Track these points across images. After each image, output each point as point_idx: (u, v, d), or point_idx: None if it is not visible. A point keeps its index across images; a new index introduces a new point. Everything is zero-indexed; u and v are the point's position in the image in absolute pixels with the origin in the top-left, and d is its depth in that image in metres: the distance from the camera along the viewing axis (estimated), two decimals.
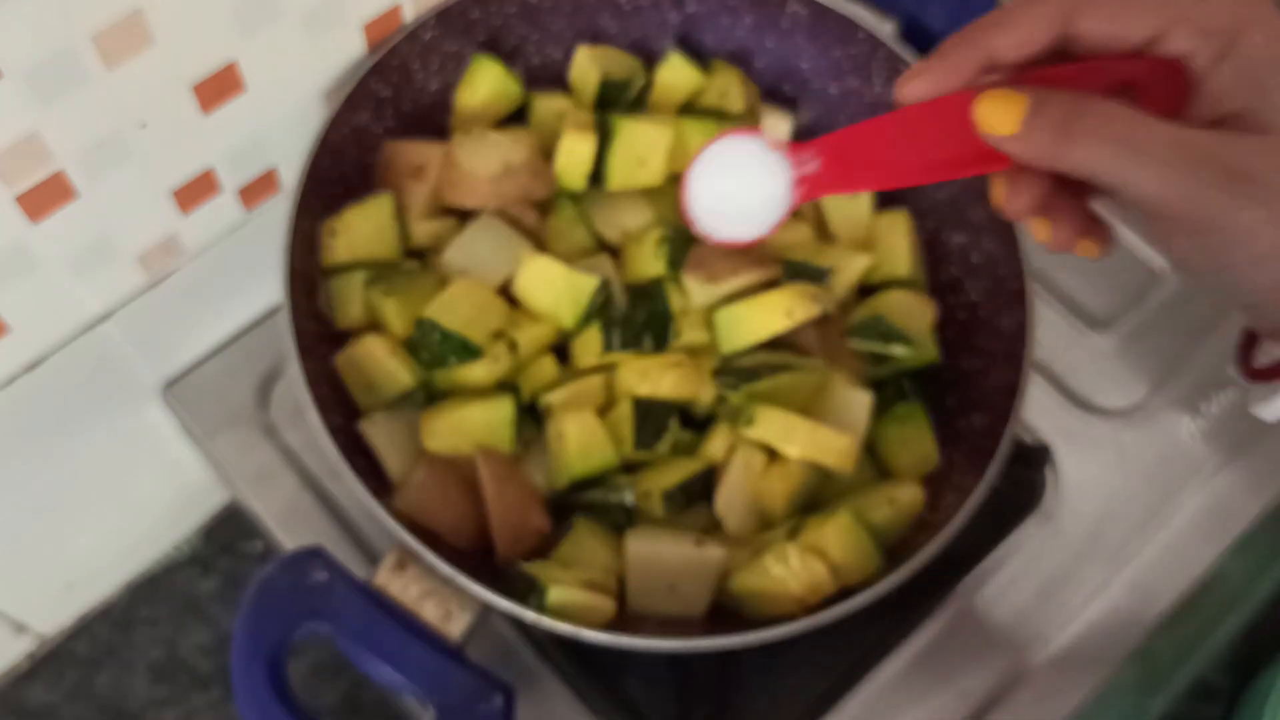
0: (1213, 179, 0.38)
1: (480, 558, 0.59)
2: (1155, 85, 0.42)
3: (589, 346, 0.62)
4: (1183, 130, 0.39)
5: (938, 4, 0.70)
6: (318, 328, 0.61)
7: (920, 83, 0.43)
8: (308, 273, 0.61)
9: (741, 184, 0.50)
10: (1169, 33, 0.41)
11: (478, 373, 0.61)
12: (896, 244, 0.67)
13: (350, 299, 0.62)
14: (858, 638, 0.67)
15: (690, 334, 0.62)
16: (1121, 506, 0.72)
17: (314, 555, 0.55)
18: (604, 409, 0.62)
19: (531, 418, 0.62)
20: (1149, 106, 0.41)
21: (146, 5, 0.51)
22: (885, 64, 0.67)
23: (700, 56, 0.70)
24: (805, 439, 0.60)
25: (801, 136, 0.70)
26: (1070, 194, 0.43)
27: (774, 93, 0.71)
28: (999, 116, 0.41)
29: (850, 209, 0.68)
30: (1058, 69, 0.43)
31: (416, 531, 0.55)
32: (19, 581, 0.72)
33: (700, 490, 0.61)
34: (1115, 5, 0.41)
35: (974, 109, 0.42)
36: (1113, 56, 0.42)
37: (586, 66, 0.68)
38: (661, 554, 0.59)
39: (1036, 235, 0.44)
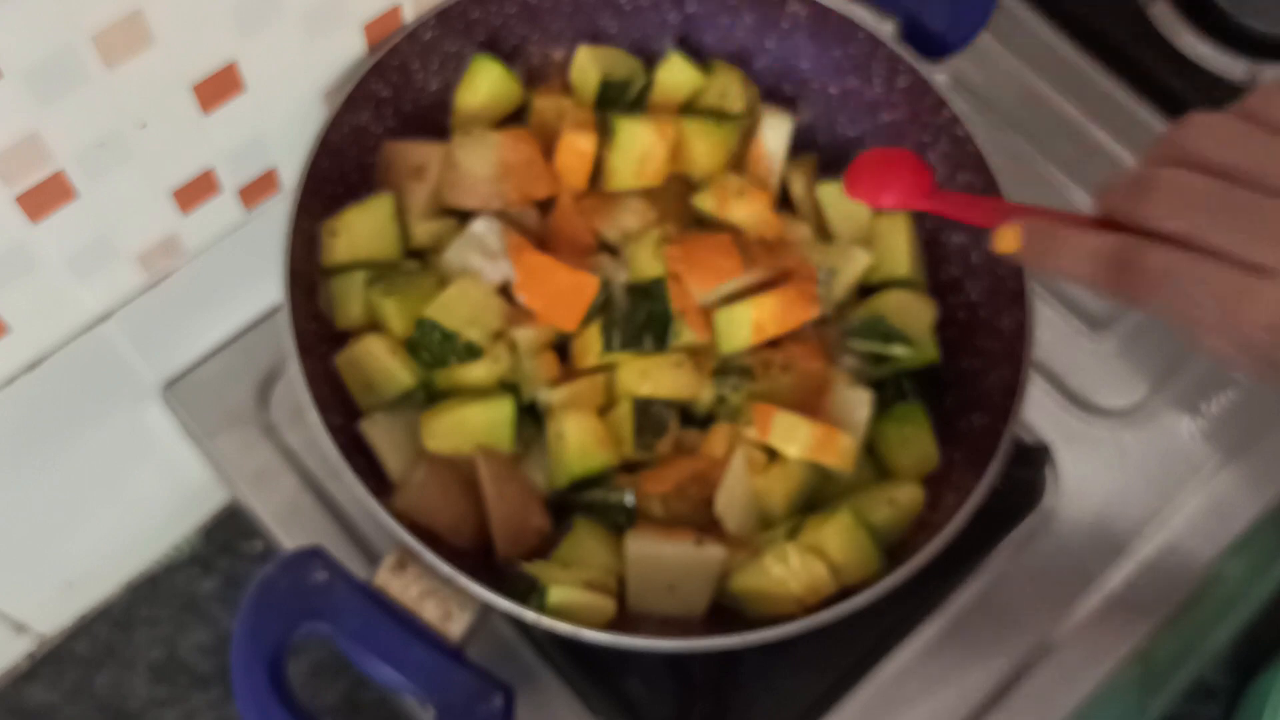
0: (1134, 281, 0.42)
1: (480, 558, 0.59)
2: None
3: (589, 346, 0.62)
4: (1118, 238, 0.43)
5: (938, 4, 0.70)
6: (318, 328, 0.61)
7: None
8: (308, 273, 0.61)
9: None
10: None
11: (478, 373, 0.61)
12: (896, 244, 0.67)
13: (350, 299, 0.62)
14: (858, 638, 0.67)
15: (690, 334, 0.62)
16: (1121, 506, 0.72)
17: (314, 555, 0.55)
18: (604, 409, 0.62)
19: (531, 418, 0.62)
20: None
21: (146, 5, 0.51)
22: (885, 64, 0.67)
23: (700, 56, 0.70)
24: (805, 439, 0.60)
25: (801, 136, 0.70)
26: None
27: (774, 93, 0.71)
28: (1006, 242, 0.47)
29: (850, 207, 0.68)
30: None
31: (416, 531, 0.55)
32: (19, 581, 0.72)
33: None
34: None
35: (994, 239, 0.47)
36: None
37: (586, 66, 0.68)
38: (661, 554, 0.59)
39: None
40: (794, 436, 0.60)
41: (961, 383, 0.65)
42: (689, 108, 0.69)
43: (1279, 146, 0.41)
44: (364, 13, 0.62)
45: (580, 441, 0.60)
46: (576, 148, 0.64)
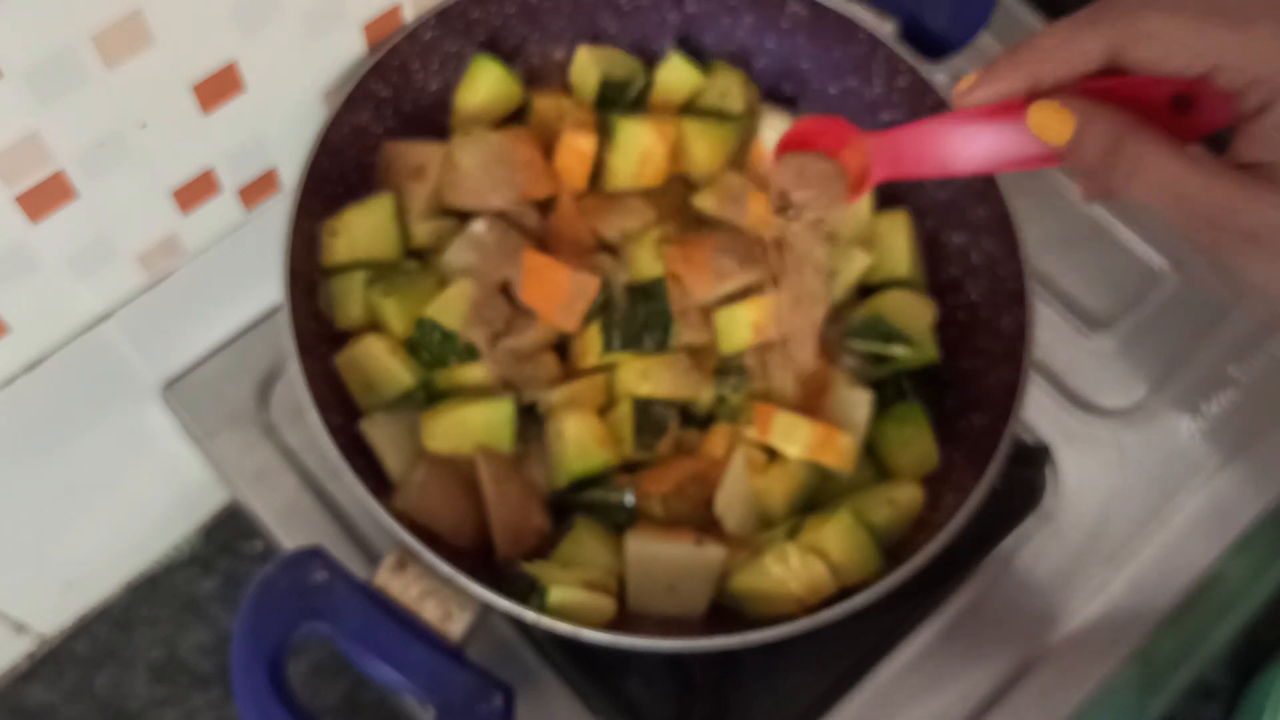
0: (1228, 238, 0.42)
1: (480, 558, 0.59)
2: (1209, 102, 0.44)
3: (589, 346, 0.62)
4: (1211, 181, 0.41)
5: (938, 4, 0.70)
6: (318, 328, 0.61)
7: (977, 92, 0.46)
8: (308, 273, 0.61)
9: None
10: (1216, 74, 0.42)
11: (478, 373, 0.61)
12: (896, 244, 0.67)
13: (350, 299, 0.62)
14: (858, 638, 0.67)
15: (690, 334, 0.62)
16: (1121, 506, 0.72)
17: (314, 555, 0.55)
18: (604, 409, 0.62)
19: (531, 418, 0.62)
20: (1201, 119, 0.44)
21: (146, 5, 0.51)
22: (885, 64, 0.67)
23: (700, 57, 0.70)
24: (805, 439, 0.60)
25: None
26: None
27: (774, 93, 0.71)
28: (1051, 128, 0.44)
29: (850, 208, 0.68)
30: (1115, 80, 0.45)
31: (416, 531, 0.55)
32: (19, 581, 0.72)
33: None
34: (1164, 44, 0.42)
35: (1028, 117, 0.45)
36: None
37: (586, 66, 0.68)
38: (661, 554, 0.59)
39: None
40: (794, 436, 0.60)
41: (961, 383, 0.65)
42: (689, 108, 0.69)
43: None
44: (364, 13, 0.62)
45: (580, 441, 0.60)
46: (576, 148, 0.64)
